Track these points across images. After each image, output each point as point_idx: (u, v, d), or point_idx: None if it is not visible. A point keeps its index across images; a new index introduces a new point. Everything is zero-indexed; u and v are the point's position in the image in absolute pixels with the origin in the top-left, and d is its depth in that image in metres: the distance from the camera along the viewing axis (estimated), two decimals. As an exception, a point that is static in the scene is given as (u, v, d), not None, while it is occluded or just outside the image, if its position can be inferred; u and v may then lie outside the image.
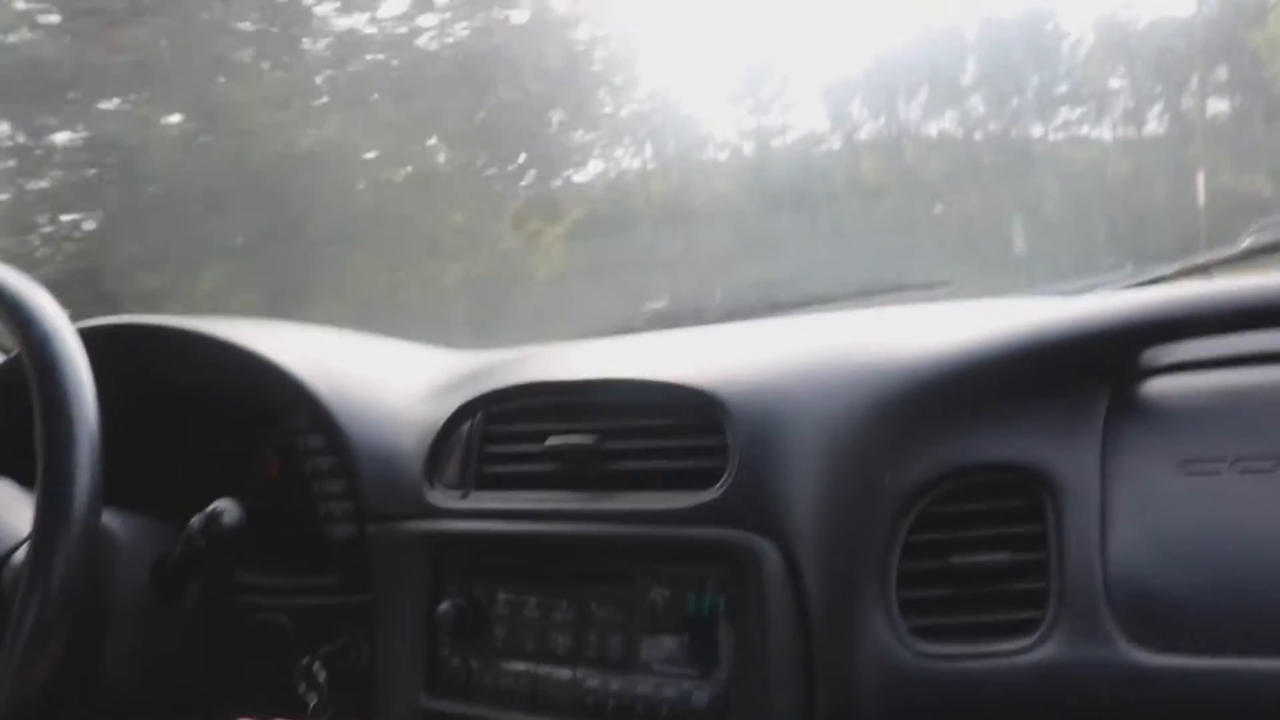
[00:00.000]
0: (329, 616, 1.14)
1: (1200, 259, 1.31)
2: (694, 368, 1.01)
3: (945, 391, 0.92)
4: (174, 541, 1.04)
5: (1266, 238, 1.28)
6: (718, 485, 0.93)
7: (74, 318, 0.97)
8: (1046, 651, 0.80)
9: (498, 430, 1.09)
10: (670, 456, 0.98)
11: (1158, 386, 0.90)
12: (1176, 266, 1.29)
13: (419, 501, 1.08)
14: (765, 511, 0.91)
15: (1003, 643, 0.82)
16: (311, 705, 1.11)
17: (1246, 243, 1.29)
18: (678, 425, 0.99)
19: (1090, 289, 1.31)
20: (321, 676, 1.11)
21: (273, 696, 1.13)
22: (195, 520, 1.03)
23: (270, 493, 1.17)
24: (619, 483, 0.99)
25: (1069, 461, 0.85)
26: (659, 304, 1.53)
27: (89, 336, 0.93)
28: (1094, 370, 0.90)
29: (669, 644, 0.94)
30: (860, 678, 0.86)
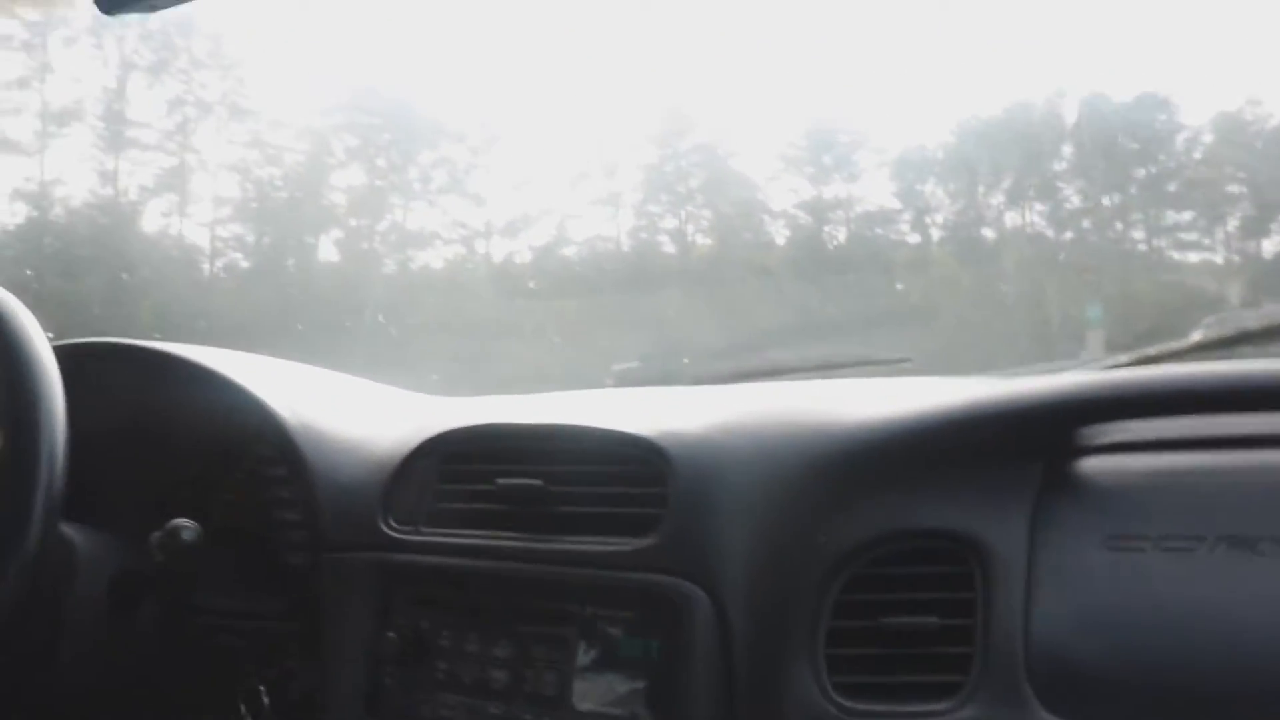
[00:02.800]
0: (277, 641, 1.18)
1: (1152, 350, 1.36)
2: (641, 421, 1.07)
3: (882, 458, 0.97)
4: (129, 556, 1.09)
5: (1213, 332, 1.38)
6: (654, 532, 0.99)
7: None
8: (966, 714, 0.84)
9: (452, 469, 1.15)
10: (613, 503, 1.04)
11: (1090, 465, 0.94)
12: (1132, 355, 1.36)
13: (373, 533, 1.13)
14: (698, 560, 0.96)
15: (925, 704, 0.86)
16: None
17: (1195, 336, 1.39)
18: (621, 473, 1.05)
19: (1048, 372, 1.36)
20: (265, 700, 1.15)
21: (217, 717, 1.17)
22: (154, 536, 1.08)
23: (230, 516, 1.22)
24: (563, 525, 1.05)
25: (1000, 532, 0.89)
26: (628, 365, 1.58)
27: (66, 354, 0.99)
28: (1029, 446, 0.94)
29: (602, 686, 0.98)
30: None
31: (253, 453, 1.24)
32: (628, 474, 1.04)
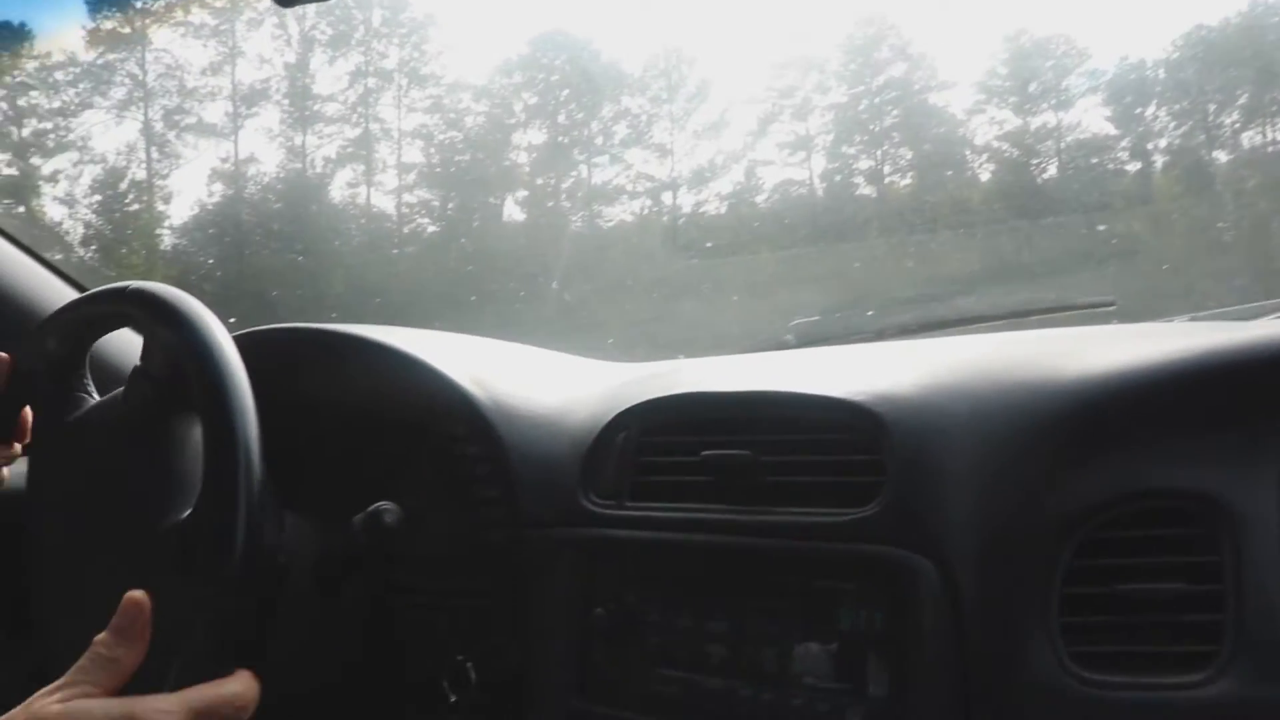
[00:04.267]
0: (481, 619, 1.19)
1: None
2: (849, 383, 1.03)
3: (1112, 415, 0.93)
4: (333, 542, 1.11)
5: None
6: (874, 502, 0.95)
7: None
8: (1221, 688, 0.79)
9: (653, 441, 1.13)
10: (826, 471, 1.01)
11: None
12: None
13: (574, 508, 1.13)
14: (923, 529, 0.93)
15: (1172, 676, 0.82)
16: (453, 701, 1.17)
17: None
18: (834, 441, 1.02)
19: (1256, 315, 1.32)
20: (473, 676, 1.17)
21: (419, 694, 1.20)
22: (357, 519, 1.10)
23: (427, 496, 1.22)
24: (775, 496, 1.02)
25: (1245, 491, 0.84)
26: (809, 319, 1.55)
27: (247, 344, 1.01)
28: (1273, 399, 0.89)
29: (823, 659, 0.96)
30: (1020, 703, 0.87)
31: (445, 431, 1.24)
32: (841, 441, 1.01)
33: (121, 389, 1.11)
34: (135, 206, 25.36)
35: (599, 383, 1.33)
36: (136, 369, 1.08)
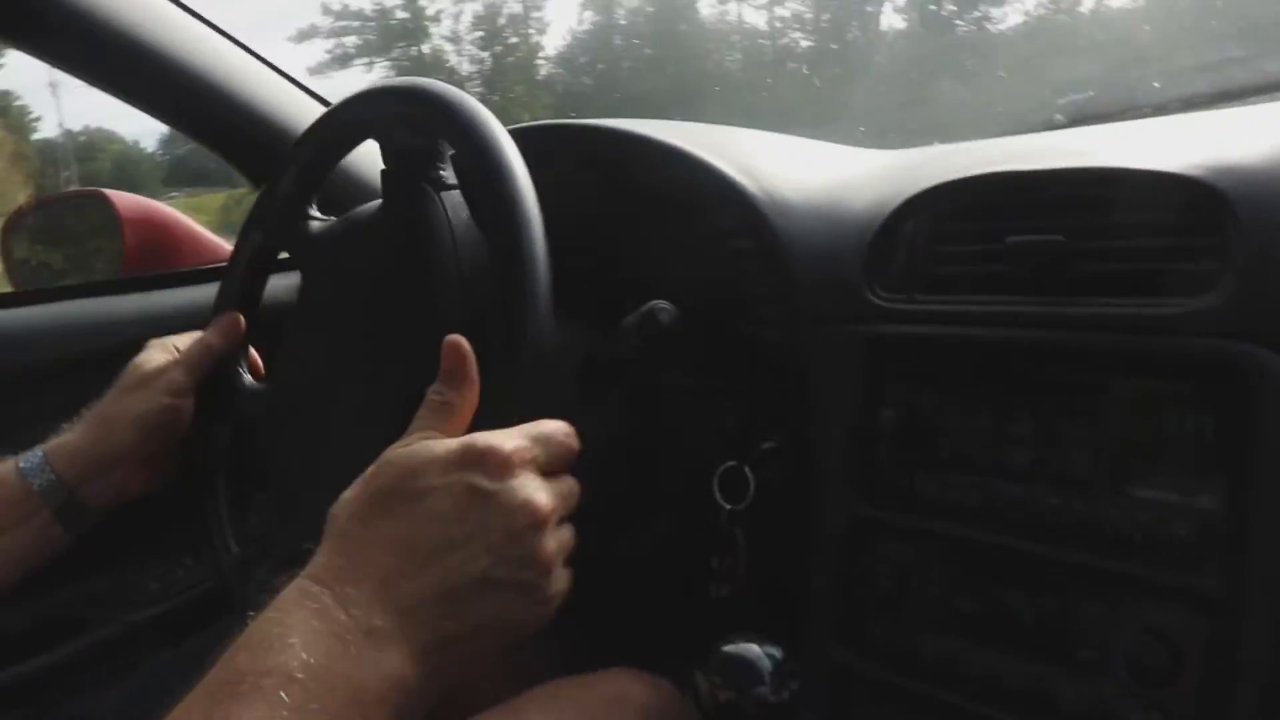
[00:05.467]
0: (758, 421, 1.14)
1: None
2: (1176, 156, 0.89)
3: None
4: (598, 343, 1.09)
5: None
6: (1216, 290, 0.83)
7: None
8: None
9: (946, 229, 1.02)
10: (1156, 258, 0.88)
11: None
12: None
13: (859, 303, 1.03)
14: (1274, 322, 0.80)
15: None
16: (728, 510, 1.13)
17: None
18: (1162, 223, 0.89)
19: None
20: (751, 481, 1.12)
21: (690, 501, 1.16)
22: (630, 319, 1.07)
23: (699, 295, 1.16)
24: (1093, 286, 0.90)
25: None
26: (1080, 96, 1.37)
27: (524, 138, 0.97)
28: None
29: (1144, 468, 0.85)
30: None
31: (715, 225, 1.18)
32: (1169, 223, 0.88)
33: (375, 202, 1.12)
34: (514, 39, 26.75)
35: (872, 169, 1.22)
36: (390, 172, 1.08)
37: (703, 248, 1.20)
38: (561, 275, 0.92)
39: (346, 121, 1.12)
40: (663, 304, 1.07)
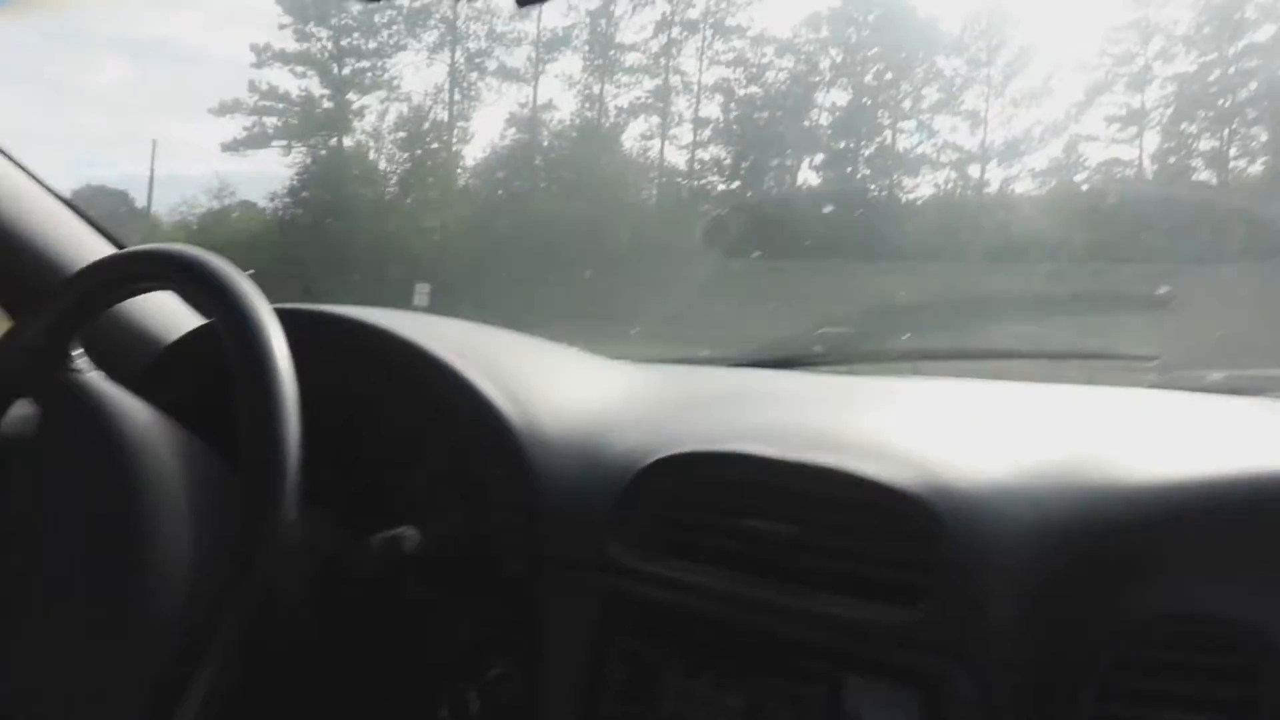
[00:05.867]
0: (489, 646, 1.15)
1: None
2: (910, 465, 0.97)
3: (1166, 530, 0.89)
4: (345, 544, 1.09)
5: None
6: (920, 605, 0.90)
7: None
8: None
9: (693, 497, 1.06)
10: (873, 562, 0.95)
11: None
12: None
13: (600, 554, 1.06)
14: (967, 641, 0.88)
15: None
16: None
17: None
18: (887, 530, 0.95)
19: None
20: (475, 706, 1.12)
21: (411, 717, 1.17)
22: (376, 541, 1.08)
23: (449, 512, 1.18)
24: (815, 580, 0.96)
25: None
26: (840, 330, 1.50)
27: (288, 318, 0.99)
28: None
29: None
30: None
31: (474, 447, 1.19)
32: (893, 531, 0.95)
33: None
34: (435, 145, 26.99)
35: (640, 399, 1.27)
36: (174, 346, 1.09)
37: (458, 464, 1.21)
38: (316, 461, 0.94)
39: (116, 277, 1.09)
40: (409, 531, 1.09)
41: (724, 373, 1.47)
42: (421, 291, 13.05)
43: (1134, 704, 0.82)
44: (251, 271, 1.02)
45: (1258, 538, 0.86)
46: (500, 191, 25.02)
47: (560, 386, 1.27)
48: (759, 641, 0.97)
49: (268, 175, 26.13)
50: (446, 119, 26.39)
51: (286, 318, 0.98)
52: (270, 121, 26.42)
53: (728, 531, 1.01)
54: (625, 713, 1.02)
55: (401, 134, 26.08)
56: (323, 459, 1.01)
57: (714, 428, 1.12)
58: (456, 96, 26.82)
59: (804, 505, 0.98)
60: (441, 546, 1.15)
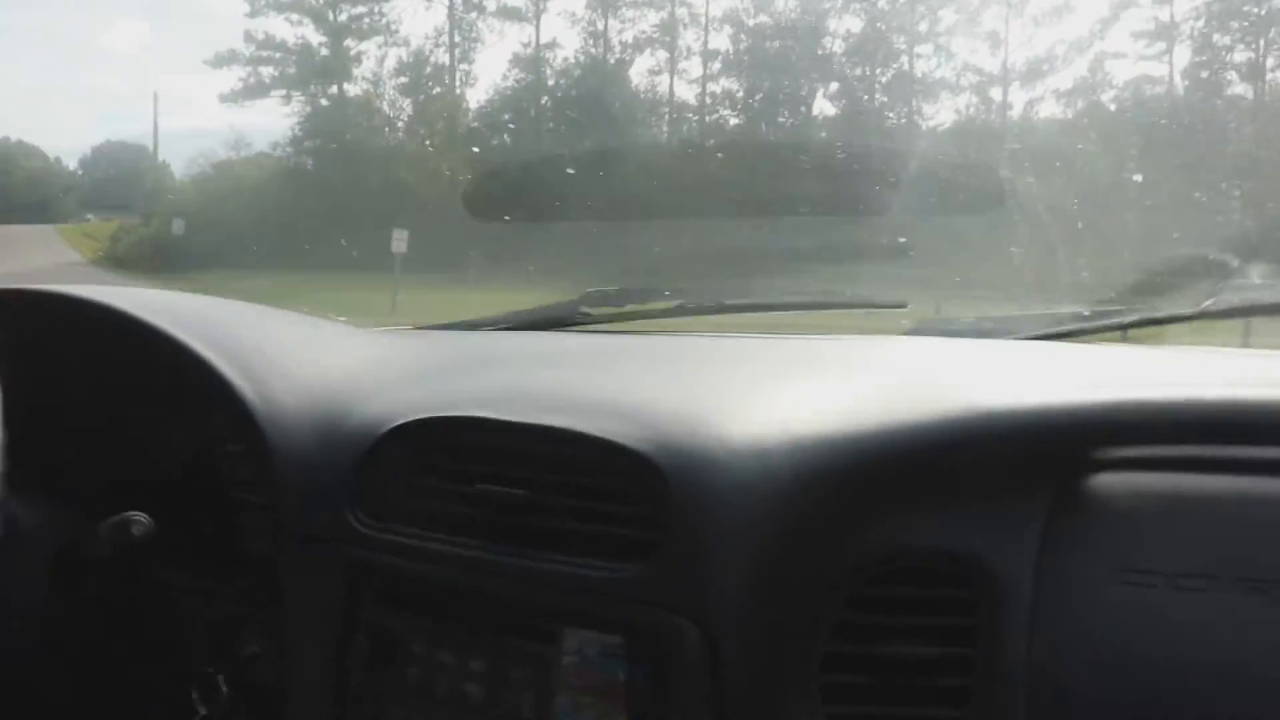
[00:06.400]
0: (235, 626, 1.15)
1: (1159, 313, 1.36)
2: (638, 423, 0.97)
3: (890, 472, 0.92)
4: (80, 530, 1.08)
5: (1223, 304, 1.33)
6: (646, 561, 0.92)
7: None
8: None
9: (428, 463, 1.06)
10: (601, 520, 0.96)
11: (1105, 484, 0.89)
12: (1135, 317, 1.36)
13: (340, 525, 1.06)
14: (691, 594, 0.89)
15: None
16: (202, 715, 1.13)
17: (1206, 304, 1.32)
18: (613, 489, 0.97)
19: (1051, 327, 1.37)
20: (224, 688, 1.13)
21: (162, 703, 1.16)
22: (104, 526, 1.06)
23: (186, 494, 1.18)
24: (547, 540, 0.97)
25: (1006, 555, 0.86)
26: (606, 289, 1.48)
27: (12, 299, 1.00)
28: (1041, 465, 0.90)
29: (584, 709, 0.93)
30: None
31: (208, 425, 1.19)
32: (619, 490, 0.96)
33: None
34: (437, 90, 26.83)
35: (392, 367, 1.27)
36: None
37: (194, 443, 1.21)
38: (40, 456, 0.93)
39: None
40: (137, 516, 1.07)
41: (495, 336, 1.47)
42: (399, 238, 12.80)
43: (865, 640, 0.86)
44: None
45: (979, 473, 0.90)
46: (504, 136, 24.90)
47: (303, 360, 1.25)
48: (495, 605, 0.98)
49: (285, 127, 26.29)
50: (448, 63, 26.26)
51: (11, 299, 0.98)
52: (267, 71, 26.39)
53: (462, 497, 1.01)
54: (375, 683, 1.02)
55: (403, 79, 26.00)
56: (60, 441, 1.02)
57: (455, 394, 1.11)
58: (457, 39, 26.67)
59: (536, 466, 0.99)
60: (181, 529, 1.14)
